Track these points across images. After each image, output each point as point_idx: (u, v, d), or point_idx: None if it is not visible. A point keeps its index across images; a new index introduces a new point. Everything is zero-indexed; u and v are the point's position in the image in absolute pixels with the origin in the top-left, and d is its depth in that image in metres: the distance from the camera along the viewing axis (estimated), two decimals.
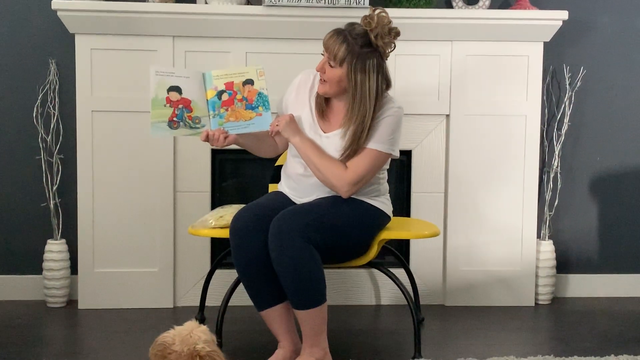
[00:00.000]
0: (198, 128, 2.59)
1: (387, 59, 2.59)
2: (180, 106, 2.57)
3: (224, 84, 2.60)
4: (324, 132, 2.63)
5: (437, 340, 3.02)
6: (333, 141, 2.60)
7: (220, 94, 2.60)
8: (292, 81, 2.75)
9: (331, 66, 2.54)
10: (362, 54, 2.51)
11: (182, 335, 2.00)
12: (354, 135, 2.55)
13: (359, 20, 2.56)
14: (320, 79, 2.60)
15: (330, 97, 2.64)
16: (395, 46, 2.58)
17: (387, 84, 2.61)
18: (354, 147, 2.56)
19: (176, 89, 2.56)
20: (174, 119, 2.56)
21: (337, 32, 2.53)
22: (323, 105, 2.65)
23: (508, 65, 3.43)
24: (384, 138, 2.58)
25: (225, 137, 2.58)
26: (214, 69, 2.68)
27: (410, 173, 3.50)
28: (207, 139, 2.58)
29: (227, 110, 2.60)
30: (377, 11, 2.53)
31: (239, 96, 2.60)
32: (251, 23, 3.27)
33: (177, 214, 3.39)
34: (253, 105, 2.60)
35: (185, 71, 2.66)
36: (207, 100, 2.60)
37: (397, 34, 2.56)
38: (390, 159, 2.69)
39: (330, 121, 2.65)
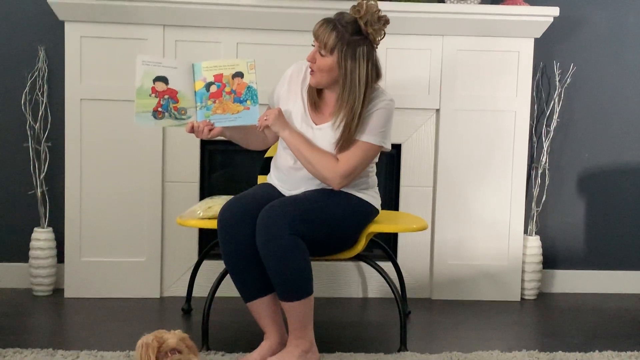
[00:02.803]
0: (184, 119, 2.57)
1: (377, 47, 2.59)
2: (165, 96, 2.55)
3: (213, 75, 2.58)
4: (316, 124, 2.63)
5: (423, 334, 3.03)
6: (325, 133, 2.60)
7: (208, 85, 2.58)
8: (284, 73, 2.74)
9: (322, 55, 2.54)
10: (352, 41, 2.52)
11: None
12: (345, 125, 2.55)
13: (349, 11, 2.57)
14: (311, 70, 2.60)
15: (322, 89, 2.64)
16: (385, 34, 2.58)
17: (377, 73, 2.61)
18: (345, 137, 2.55)
19: (162, 79, 2.55)
20: (159, 109, 2.55)
21: (327, 21, 2.54)
22: (315, 97, 2.65)
23: (498, 61, 3.44)
24: (376, 130, 2.58)
25: (210, 130, 2.57)
26: (204, 59, 2.67)
27: (399, 167, 3.51)
28: (192, 130, 2.57)
29: (214, 102, 2.58)
30: (365, 0, 2.54)
31: (227, 89, 2.58)
32: (242, 13, 3.26)
33: (166, 204, 3.39)
34: (241, 99, 2.58)
35: (174, 61, 2.64)
36: (194, 91, 2.59)
37: (387, 22, 2.56)
38: (379, 152, 2.69)
39: (323, 113, 2.65)
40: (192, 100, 2.58)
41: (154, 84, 2.54)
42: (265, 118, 2.58)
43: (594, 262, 3.73)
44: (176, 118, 2.57)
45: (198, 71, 2.59)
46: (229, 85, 2.58)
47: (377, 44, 2.58)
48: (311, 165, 2.57)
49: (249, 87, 2.58)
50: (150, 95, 2.54)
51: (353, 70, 2.53)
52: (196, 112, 2.59)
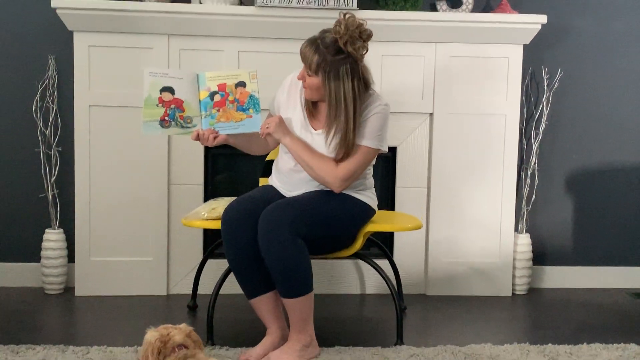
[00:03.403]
0: (189, 127, 2.59)
1: (361, 62, 2.57)
2: (172, 106, 2.57)
3: (217, 85, 2.60)
4: (315, 130, 2.66)
5: (418, 328, 3.06)
6: (323, 138, 2.63)
7: (212, 95, 2.60)
8: (283, 81, 2.76)
9: (309, 75, 2.57)
10: (335, 61, 2.51)
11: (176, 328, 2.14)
12: (341, 140, 2.56)
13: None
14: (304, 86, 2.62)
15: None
16: (367, 49, 2.55)
17: (366, 85, 2.60)
18: (343, 150, 2.57)
19: (169, 89, 2.56)
20: (166, 118, 2.56)
21: (311, 42, 2.54)
22: (310, 105, 2.67)
23: (489, 67, 3.46)
24: (373, 134, 2.60)
25: (215, 137, 2.58)
26: (207, 66, 2.64)
27: (395, 169, 3.52)
28: (197, 138, 2.59)
29: (218, 111, 2.60)
30: (346, 16, 2.51)
31: (230, 98, 2.60)
32: (244, 23, 3.28)
33: (171, 206, 3.41)
34: (244, 107, 2.60)
35: (179, 72, 2.65)
36: (199, 100, 2.60)
37: (369, 36, 2.53)
38: (377, 154, 2.71)
39: (320, 120, 2.67)
40: (197, 109, 2.60)
41: (160, 94, 2.56)
42: (267, 126, 2.60)
43: (582, 258, 3.75)
44: (182, 127, 2.59)
45: (202, 81, 2.61)
46: (232, 94, 2.60)
47: (361, 59, 2.56)
48: (312, 170, 2.60)
49: (251, 96, 2.61)
50: (157, 105, 2.56)
51: (337, 90, 2.52)
52: (201, 120, 2.60)
